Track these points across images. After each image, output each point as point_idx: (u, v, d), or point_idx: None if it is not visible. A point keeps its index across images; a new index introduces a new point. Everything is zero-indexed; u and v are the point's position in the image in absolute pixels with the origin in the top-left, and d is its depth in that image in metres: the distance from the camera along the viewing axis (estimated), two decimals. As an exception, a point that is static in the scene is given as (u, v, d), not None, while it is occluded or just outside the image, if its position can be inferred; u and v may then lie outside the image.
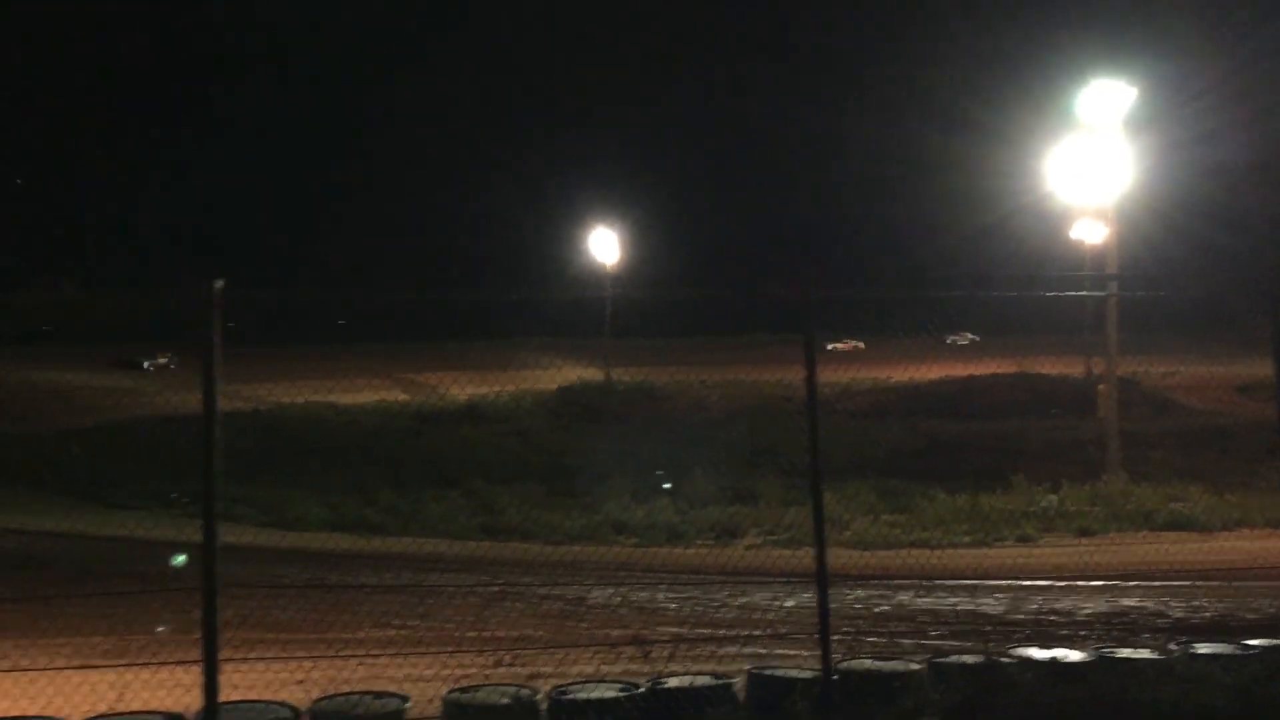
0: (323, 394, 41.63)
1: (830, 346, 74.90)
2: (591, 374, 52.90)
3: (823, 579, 6.84)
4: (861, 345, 78.65)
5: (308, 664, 9.22)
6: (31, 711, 6.36)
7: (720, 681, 7.07)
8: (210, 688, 5.89)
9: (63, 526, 21.85)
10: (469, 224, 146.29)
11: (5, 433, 38.62)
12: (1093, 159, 28.99)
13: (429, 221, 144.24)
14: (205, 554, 5.97)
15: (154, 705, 6.57)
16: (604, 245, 59.69)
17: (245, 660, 7.33)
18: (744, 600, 14.75)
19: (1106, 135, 28.57)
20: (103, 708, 6.55)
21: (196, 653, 5.81)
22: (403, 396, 49.45)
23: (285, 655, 9.60)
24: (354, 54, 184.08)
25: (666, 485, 26.27)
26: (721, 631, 12.34)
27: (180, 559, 13.41)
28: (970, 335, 79.87)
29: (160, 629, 11.33)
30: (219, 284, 6.10)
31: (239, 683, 6.83)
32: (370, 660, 10.16)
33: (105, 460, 31.88)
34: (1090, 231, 34.81)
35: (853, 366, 35.62)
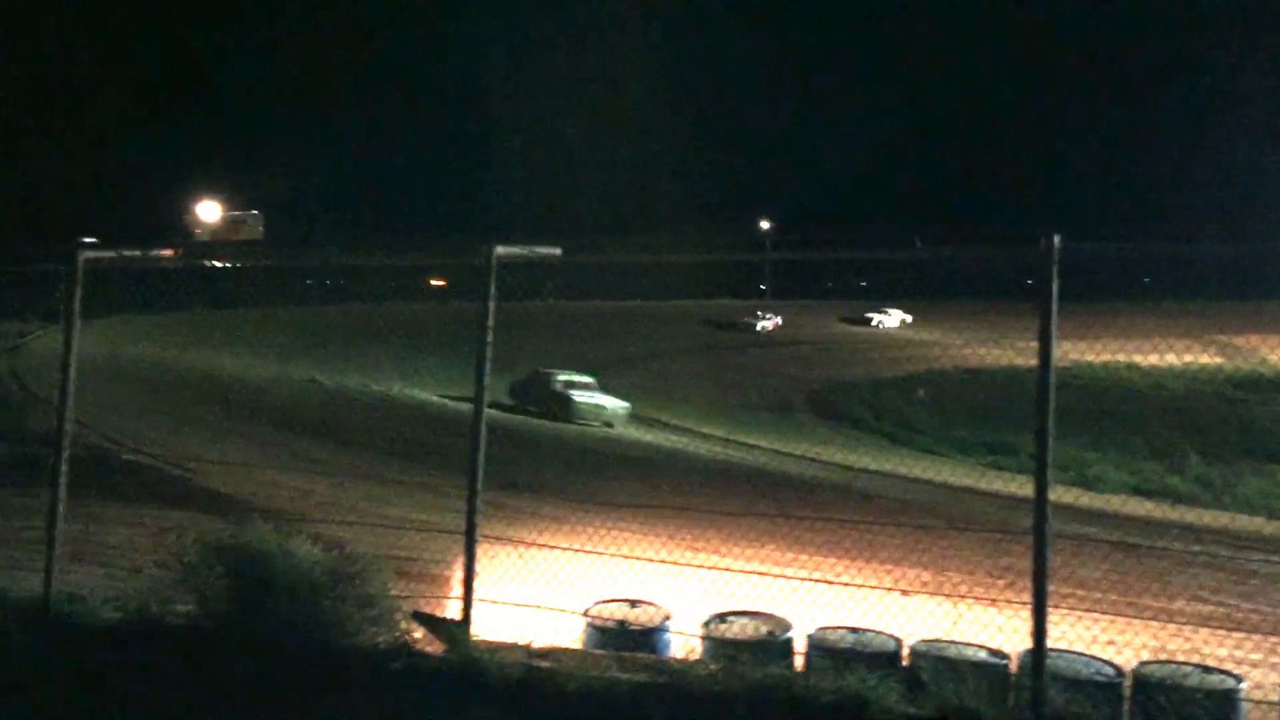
0: (1124, 354, 40.18)
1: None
2: None
3: None
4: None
5: (1131, 627, 9.05)
6: (869, 625, 7.09)
7: None
8: (1039, 632, 6.07)
9: (880, 465, 23.95)
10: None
11: (826, 377, 43.31)
12: None
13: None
14: (1037, 506, 6.10)
15: (981, 640, 6.94)
16: None
17: (1055, 611, 7.38)
18: None
19: None
20: (937, 634, 7.09)
21: (1009, 595, 5.98)
22: (1215, 360, 45.76)
23: (1099, 613, 9.51)
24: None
25: None
26: None
27: None
28: (903, 316, 64.13)
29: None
30: (1057, 239, 6.16)
31: (1052, 633, 6.90)
32: (1187, 634, 9.66)
33: (911, 408, 34.20)
34: None
35: None
